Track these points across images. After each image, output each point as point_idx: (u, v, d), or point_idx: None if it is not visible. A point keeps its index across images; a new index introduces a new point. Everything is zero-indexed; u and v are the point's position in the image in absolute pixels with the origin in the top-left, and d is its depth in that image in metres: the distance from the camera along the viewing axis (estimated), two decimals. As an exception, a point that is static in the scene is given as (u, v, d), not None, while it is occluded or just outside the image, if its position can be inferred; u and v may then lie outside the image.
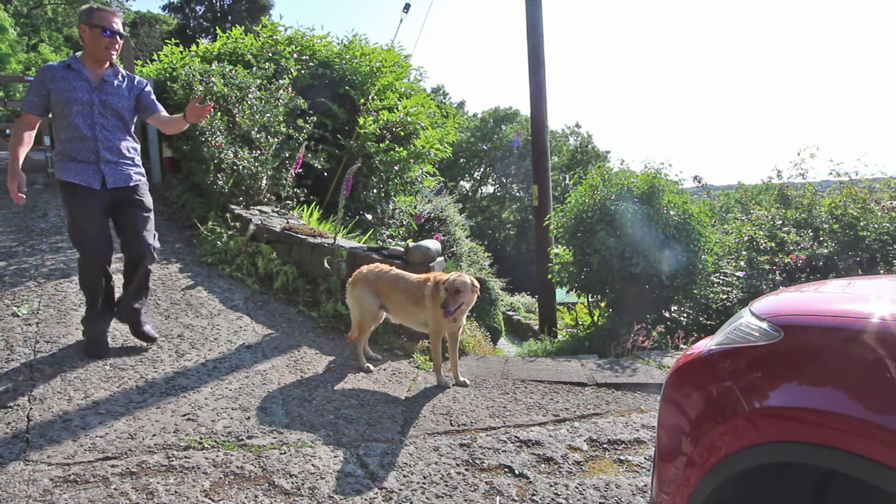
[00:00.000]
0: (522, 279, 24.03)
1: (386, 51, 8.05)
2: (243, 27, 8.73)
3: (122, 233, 3.58)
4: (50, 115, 3.36)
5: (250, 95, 6.61)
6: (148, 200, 3.65)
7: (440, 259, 4.96)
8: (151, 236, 3.65)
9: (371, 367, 3.96)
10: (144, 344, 3.72)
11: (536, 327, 9.94)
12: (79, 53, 3.35)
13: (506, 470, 2.68)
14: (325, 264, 4.80)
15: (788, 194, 7.43)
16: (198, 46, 8.47)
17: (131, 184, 3.50)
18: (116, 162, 3.42)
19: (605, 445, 2.97)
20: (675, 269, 5.48)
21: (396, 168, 7.41)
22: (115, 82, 3.40)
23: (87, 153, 3.33)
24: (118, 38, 3.30)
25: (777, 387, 1.42)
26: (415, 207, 7.31)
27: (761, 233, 6.57)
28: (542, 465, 2.74)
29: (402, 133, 7.57)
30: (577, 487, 2.55)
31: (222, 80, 6.69)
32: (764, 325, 1.54)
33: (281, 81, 7.03)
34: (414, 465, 2.68)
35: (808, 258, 5.96)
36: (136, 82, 3.52)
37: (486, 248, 13.66)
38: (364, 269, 3.93)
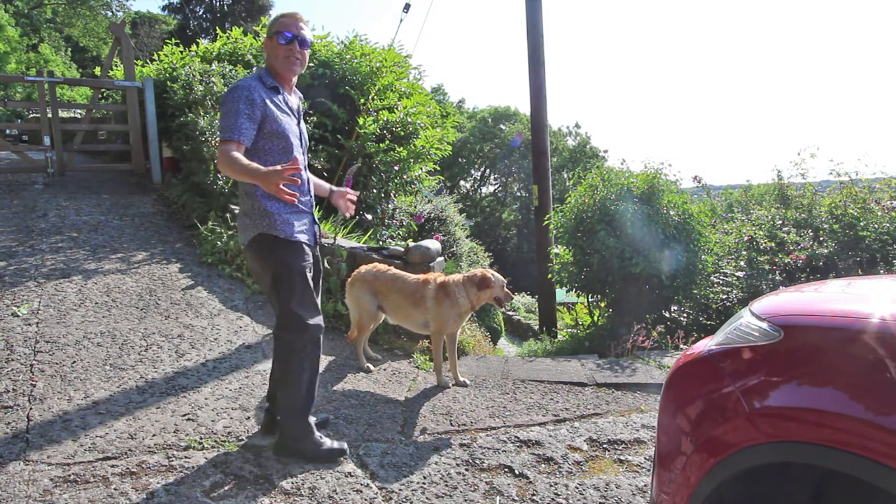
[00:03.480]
0: (522, 279, 24.03)
1: (386, 51, 8.04)
2: (242, 28, 8.73)
3: None
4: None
5: (250, 95, 6.60)
6: None
7: (440, 259, 4.96)
8: None
9: (371, 367, 3.96)
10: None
11: (536, 327, 9.94)
12: (261, 69, 2.60)
13: (506, 470, 2.68)
14: (325, 264, 4.80)
15: (788, 194, 7.43)
16: (198, 46, 8.47)
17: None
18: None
19: (605, 445, 2.97)
20: (675, 269, 5.48)
21: (396, 168, 7.41)
22: (299, 106, 2.71)
23: (306, 201, 2.66)
24: (298, 45, 2.51)
25: (777, 387, 1.42)
26: (415, 207, 7.32)
27: (761, 233, 6.57)
28: (542, 465, 2.74)
29: (402, 133, 7.57)
30: (577, 487, 2.55)
31: (222, 80, 6.69)
32: (764, 325, 1.54)
33: (281, 81, 7.01)
34: (414, 465, 2.68)
35: (808, 258, 5.97)
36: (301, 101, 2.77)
37: (486, 248, 13.65)
38: (362, 268, 3.92)
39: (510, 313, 14.59)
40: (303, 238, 2.57)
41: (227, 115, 2.38)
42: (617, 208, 5.60)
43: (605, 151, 36.94)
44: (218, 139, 2.38)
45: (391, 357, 4.30)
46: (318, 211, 6.76)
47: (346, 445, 2.70)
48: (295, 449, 2.60)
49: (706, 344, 1.73)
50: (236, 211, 5.93)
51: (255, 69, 7.30)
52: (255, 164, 2.29)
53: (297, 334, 2.53)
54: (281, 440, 2.63)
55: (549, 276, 6.90)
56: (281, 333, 2.56)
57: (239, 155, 2.32)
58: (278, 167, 2.21)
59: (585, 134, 38.31)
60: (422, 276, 3.77)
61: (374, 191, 7.56)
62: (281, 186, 2.15)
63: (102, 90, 8.77)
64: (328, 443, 2.66)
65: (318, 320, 2.59)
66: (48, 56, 25.92)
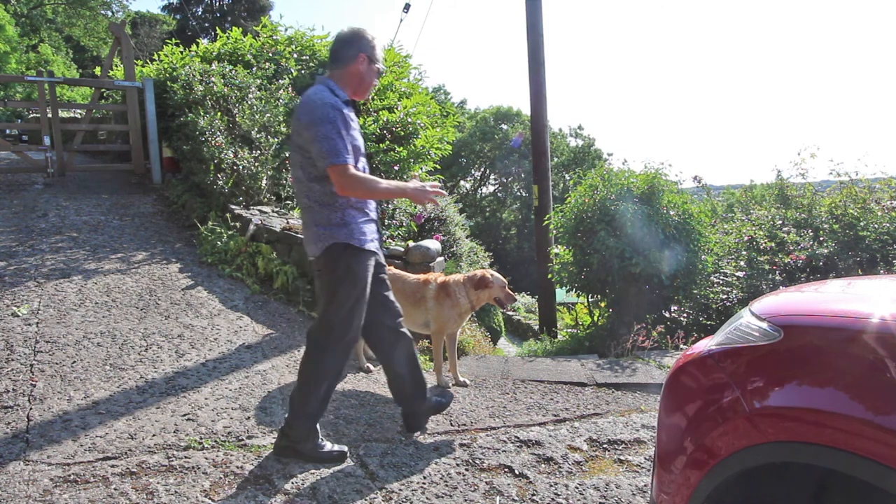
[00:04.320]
0: (522, 279, 24.03)
1: (386, 51, 8.04)
2: (241, 28, 8.73)
3: (375, 301, 2.74)
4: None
5: (250, 95, 6.61)
6: None
7: (440, 259, 4.96)
8: None
9: (371, 367, 3.96)
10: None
11: (536, 327, 9.93)
12: (329, 81, 2.57)
13: (506, 470, 2.68)
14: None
15: (788, 194, 7.42)
16: (198, 46, 8.47)
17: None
18: None
19: (605, 445, 2.97)
20: (675, 269, 5.48)
21: (396, 168, 7.41)
22: None
23: (374, 208, 2.71)
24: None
25: (777, 387, 1.42)
26: (415, 207, 7.31)
27: (761, 233, 6.56)
28: (542, 465, 2.73)
29: (402, 133, 7.56)
30: (577, 487, 2.54)
31: (222, 80, 6.69)
32: (764, 325, 1.53)
33: (281, 81, 7.03)
34: (414, 465, 2.68)
35: (808, 258, 5.96)
36: None
37: (486, 248, 13.63)
38: (364, 269, 3.92)
39: (510, 313, 14.58)
40: (373, 247, 2.62)
41: (330, 136, 2.38)
42: (617, 208, 5.60)
43: (610, 154, 36.86)
44: (327, 163, 2.39)
45: (391, 357, 4.29)
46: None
47: (346, 449, 2.71)
48: (295, 450, 2.60)
49: (706, 344, 1.73)
50: (236, 211, 5.94)
51: (254, 68, 7.30)
52: (396, 182, 2.58)
53: (337, 342, 2.57)
54: (282, 441, 2.62)
55: (549, 276, 6.90)
56: (320, 337, 2.59)
57: (372, 175, 2.52)
58: (419, 184, 2.59)
59: (589, 136, 38.25)
60: (422, 276, 3.77)
61: (374, 191, 7.55)
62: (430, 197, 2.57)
63: (102, 90, 8.76)
64: (328, 446, 2.67)
65: (358, 333, 2.65)
66: (48, 56, 25.91)
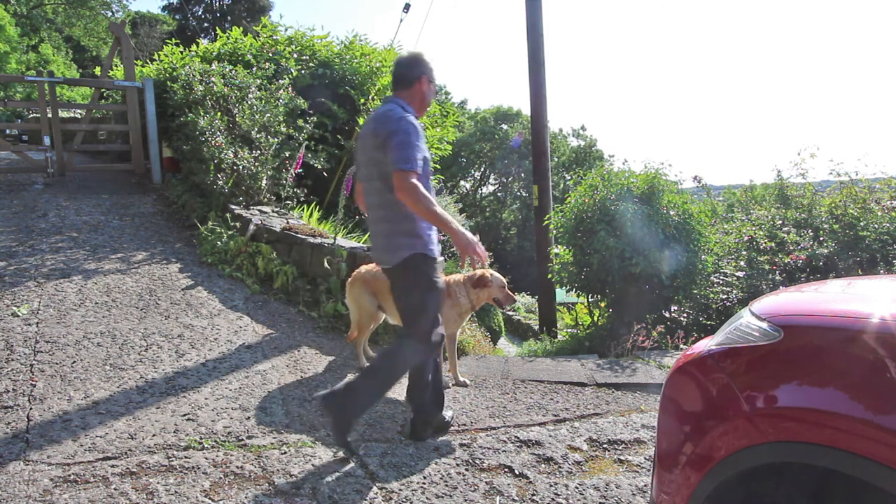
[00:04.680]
0: (522, 279, 24.01)
1: (386, 51, 8.05)
2: (242, 28, 8.74)
3: None
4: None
5: (250, 95, 6.61)
6: None
7: (440, 259, 4.96)
8: None
9: (371, 367, 3.96)
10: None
11: (536, 327, 9.93)
12: (398, 100, 2.75)
13: (506, 470, 2.68)
14: (325, 264, 4.80)
15: (788, 194, 7.42)
16: (198, 46, 8.47)
17: None
18: None
19: (605, 445, 2.97)
20: (675, 269, 5.47)
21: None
22: None
23: None
24: None
25: (777, 387, 1.42)
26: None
27: (761, 233, 6.56)
28: (542, 465, 2.73)
29: (403, 133, 7.56)
30: (577, 487, 2.55)
31: (222, 80, 6.69)
32: (764, 325, 1.53)
33: (281, 81, 7.02)
34: (414, 465, 2.68)
35: (808, 258, 5.96)
36: None
37: (486, 247, 13.62)
38: (362, 268, 3.92)
39: (510, 313, 14.58)
40: (440, 258, 2.84)
41: (407, 146, 2.53)
42: (617, 208, 5.60)
43: (611, 156, 36.83)
44: (395, 167, 2.51)
45: (391, 357, 4.29)
46: (319, 210, 6.78)
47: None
48: (429, 423, 2.96)
49: (706, 344, 1.73)
50: (236, 211, 5.94)
51: (254, 68, 7.30)
52: (450, 218, 2.58)
53: (423, 347, 2.76)
54: (423, 428, 2.92)
55: (549, 276, 6.89)
56: (414, 341, 2.76)
57: (432, 196, 2.59)
58: (470, 235, 2.64)
59: (590, 136, 38.23)
60: (422, 276, 3.76)
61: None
62: (477, 252, 2.64)
63: (102, 90, 8.77)
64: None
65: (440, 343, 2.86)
66: (48, 56, 25.93)
